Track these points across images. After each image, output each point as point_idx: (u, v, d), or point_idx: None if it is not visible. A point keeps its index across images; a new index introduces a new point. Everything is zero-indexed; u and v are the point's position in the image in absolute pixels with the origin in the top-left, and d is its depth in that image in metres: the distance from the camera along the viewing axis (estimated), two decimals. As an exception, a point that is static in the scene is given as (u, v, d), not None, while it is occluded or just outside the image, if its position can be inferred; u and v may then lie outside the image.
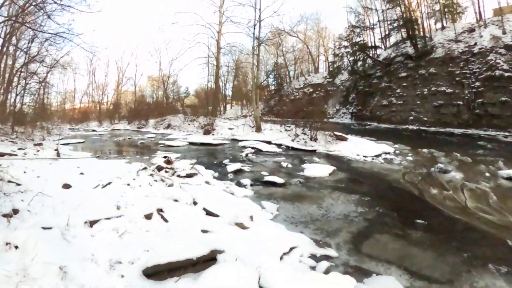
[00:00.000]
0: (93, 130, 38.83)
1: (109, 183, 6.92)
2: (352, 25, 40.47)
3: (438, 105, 27.91)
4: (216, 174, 9.14)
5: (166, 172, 7.90)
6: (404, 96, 31.55)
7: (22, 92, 26.50)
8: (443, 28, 33.88)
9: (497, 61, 25.07)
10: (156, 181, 7.18)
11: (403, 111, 31.24)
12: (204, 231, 4.69)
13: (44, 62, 25.72)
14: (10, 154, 12.69)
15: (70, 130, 39.94)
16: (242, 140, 18.53)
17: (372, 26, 42.64)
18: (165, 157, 12.38)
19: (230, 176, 9.23)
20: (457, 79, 27.22)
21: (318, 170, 10.08)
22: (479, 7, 31.20)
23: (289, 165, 10.88)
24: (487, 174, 9.66)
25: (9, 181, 6.73)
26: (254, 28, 23.50)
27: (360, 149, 14.23)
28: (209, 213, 5.38)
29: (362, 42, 40.14)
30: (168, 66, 61.95)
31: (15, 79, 25.53)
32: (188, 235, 4.46)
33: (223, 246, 3.99)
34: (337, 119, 37.24)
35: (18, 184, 6.79)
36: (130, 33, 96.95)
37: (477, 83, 25.60)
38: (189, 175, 7.77)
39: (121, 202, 5.43)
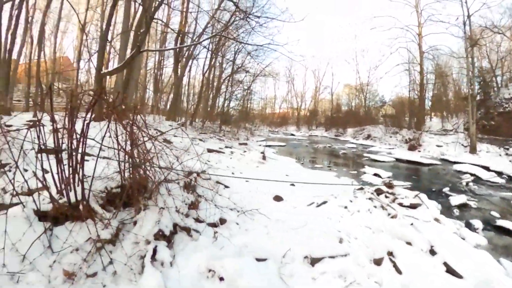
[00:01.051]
0: (292, 135, 40.73)
1: (324, 202, 6.74)
2: None
3: None
4: (439, 207, 8.21)
5: (386, 197, 7.35)
6: None
7: (229, 97, 30.00)
8: None
9: None
10: (375, 207, 6.72)
11: None
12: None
13: (249, 72, 28.70)
14: (218, 151, 13.74)
15: (270, 132, 42.44)
16: (455, 163, 16.71)
17: None
18: (375, 174, 11.90)
19: (455, 211, 8.17)
20: None
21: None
22: None
23: (522, 206, 9.19)
24: None
25: (218, 182, 6.99)
26: (464, 26, 20.93)
27: None
28: (450, 270, 4.51)
29: None
30: (366, 74, 61.07)
31: (223, 86, 29.24)
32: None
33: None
34: None
35: (226, 187, 7.04)
36: (327, 42, 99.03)
37: None
38: (412, 206, 7.06)
39: (342, 232, 4.96)
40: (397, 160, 17.48)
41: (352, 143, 28.20)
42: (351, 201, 6.82)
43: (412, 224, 5.65)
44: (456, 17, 22.04)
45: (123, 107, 4.05)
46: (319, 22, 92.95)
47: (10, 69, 15.89)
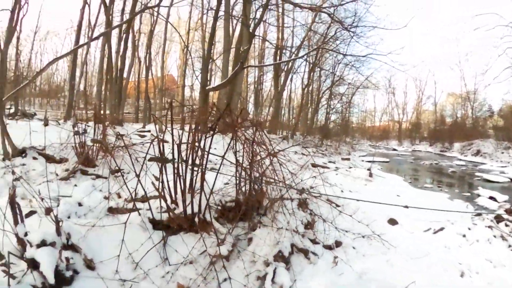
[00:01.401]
0: (394, 149, 39.28)
1: (441, 229, 6.23)
2: None
3: None
4: None
5: (506, 225, 6.61)
6: None
7: (329, 110, 29.62)
8: None
9: None
10: (495, 237, 6.07)
11: None
12: None
13: (350, 84, 28.21)
14: (323, 167, 13.47)
15: (371, 146, 41.36)
16: None
17: None
18: (491, 197, 10.88)
19: None
20: None
21: None
22: None
23: None
24: None
25: (328, 200, 6.74)
26: None
27: None
28: None
29: None
30: (472, 81, 56.50)
31: (322, 100, 29.07)
32: None
33: None
34: None
35: (337, 205, 6.77)
36: (428, 47, 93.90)
37: None
38: None
39: (463, 265, 4.57)
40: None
41: (460, 159, 26.30)
42: (469, 229, 6.24)
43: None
44: None
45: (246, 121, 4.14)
46: (419, 28, 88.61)
47: (121, 86, 17.46)
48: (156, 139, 3.47)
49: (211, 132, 3.47)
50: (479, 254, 5.16)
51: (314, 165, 12.49)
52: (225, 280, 3.16)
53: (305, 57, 24.35)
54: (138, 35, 22.61)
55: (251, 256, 3.49)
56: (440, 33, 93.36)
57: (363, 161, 19.28)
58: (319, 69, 28.13)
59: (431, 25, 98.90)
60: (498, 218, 6.88)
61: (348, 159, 19.85)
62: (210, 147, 3.50)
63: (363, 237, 4.91)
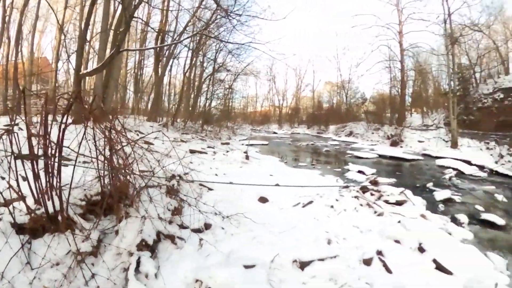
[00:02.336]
0: (274, 133, 40.80)
1: (310, 202, 6.66)
2: None
3: None
4: (424, 202, 8.16)
5: (371, 195, 7.29)
6: None
7: (211, 96, 29.77)
8: None
9: None
10: (361, 205, 6.66)
11: None
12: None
13: (230, 71, 28.62)
14: (201, 152, 13.53)
15: (252, 131, 42.30)
16: (437, 157, 16.76)
17: None
18: (359, 171, 11.87)
19: (440, 207, 8.11)
20: None
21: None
22: None
23: (504, 199, 9.20)
24: None
25: (201, 184, 6.85)
26: (445, 24, 21.22)
27: None
28: (439, 267, 4.34)
29: None
30: (348, 72, 61.26)
31: (204, 86, 29.07)
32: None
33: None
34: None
35: (210, 189, 6.90)
36: (308, 39, 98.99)
37: None
38: (398, 203, 7.02)
39: (330, 233, 4.92)
40: (380, 156, 17.51)
41: (335, 140, 28.36)
42: (337, 200, 6.75)
43: (399, 221, 5.60)
44: (437, 16, 22.48)
45: (102, 109, 3.88)
46: (300, 20, 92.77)
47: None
48: (7, 132, 3.11)
49: (65, 122, 3.21)
50: (347, 222, 5.63)
51: (192, 151, 12.49)
52: (92, 277, 3.02)
53: (187, 42, 24.04)
54: (10, 10, 20.04)
55: (116, 249, 3.37)
56: (323, 27, 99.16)
57: (242, 144, 19.69)
58: (202, 55, 28.03)
59: (315, 19, 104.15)
60: (364, 189, 7.54)
61: (228, 143, 20.20)
62: (63, 139, 3.25)
63: (228, 217, 4.95)
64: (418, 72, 40.36)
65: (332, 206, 6.45)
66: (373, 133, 27.48)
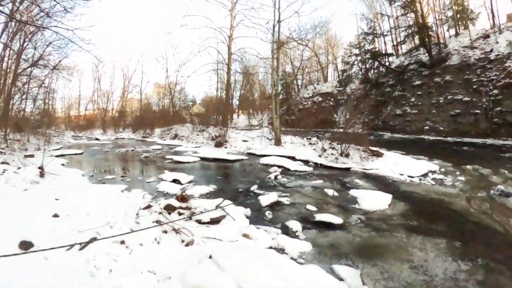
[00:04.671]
0: (96, 139, 36.84)
1: (92, 241, 4.45)
2: (364, 32, 40.05)
3: (454, 114, 27.59)
4: (248, 211, 6.61)
5: (180, 214, 5.35)
6: (418, 105, 31.34)
7: (24, 97, 24.82)
8: (457, 34, 34.01)
9: (515, 67, 24.41)
10: (166, 232, 4.74)
11: (417, 120, 31.02)
12: None
13: (48, 67, 23.75)
14: None
15: (73, 138, 38.28)
16: (262, 156, 16.24)
17: (384, 33, 42.24)
18: (174, 180, 9.96)
19: (267, 214, 6.65)
20: (474, 87, 26.71)
21: (374, 200, 7.73)
22: (492, 13, 31.49)
23: (335, 193, 8.48)
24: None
25: None
26: (274, 30, 21.25)
27: (401, 167, 12.06)
28: None
29: (374, 49, 39.52)
30: (176, 73, 59.77)
31: (19, 84, 23.66)
32: None
33: None
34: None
35: None
36: (138, 38, 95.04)
37: (495, 91, 25.04)
38: (214, 220, 5.20)
39: None
40: (203, 159, 16.07)
41: (159, 144, 26.28)
42: (131, 230, 4.65)
43: (210, 257, 3.77)
44: (266, 21, 22.62)
45: None
46: (132, 18, 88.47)
47: None
48: None
49: None
50: (141, 266, 3.85)
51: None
52: None
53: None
54: None
55: None
56: (157, 27, 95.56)
57: (51, 156, 16.14)
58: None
59: (152, 18, 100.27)
60: (170, 208, 5.57)
61: (33, 155, 16.16)
62: None
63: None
64: (245, 76, 41.77)
65: (123, 242, 4.45)
66: (198, 134, 26.32)
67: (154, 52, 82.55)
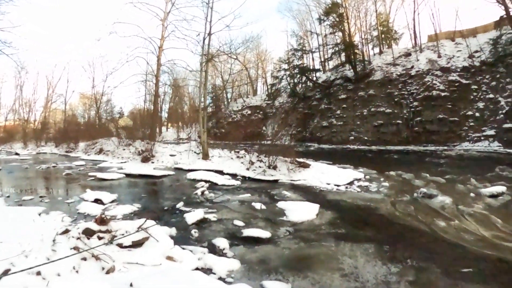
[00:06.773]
0: (16, 153, 34.42)
1: (6, 273, 3.97)
2: (294, 48, 42.65)
3: (378, 124, 30.62)
4: (173, 230, 6.54)
5: (99, 238, 5.20)
6: (344, 117, 34.18)
7: None
8: (381, 52, 37.71)
9: (434, 82, 28.25)
10: (85, 259, 4.55)
11: (343, 131, 33.83)
12: None
13: None
14: None
15: (-12, 153, 35.22)
16: (189, 170, 16.08)
17: (312, 50, 45.00)
18: (96, 200, 9.63)
19: (194, 232, 6.57)
20: (395, 99, 30.01)
21: (302, 210, 8.02)
22: (414, 34, 36.24)
23: (263, 206, 8.67)
24: (472, 194, 9.60)
25: None
26: (204, 42, 21.32)
27: (328, 176, 12.67)
28: None
29: (302, 65, 42.12)
30: (102, 83, 57.21)
31: None
32: None
33: None
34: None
35: None
36: (65, 45, 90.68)
37: (415, 103, 28.61)
38: (137, 243, 5.12)
39: None
40: (128, 175, 15.55)
41: (83, 159, 24.93)
42: (48, 258, 4.42)
43: (131, 285, 3.75)
44: (197, 33, 22.52)
45: None
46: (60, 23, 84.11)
47: None
48: None
49: None
50: None
51: None
52: None
53: None
54: None
55: None
56: (85, 35, 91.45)
57: None
58: None
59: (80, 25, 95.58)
60: (89, 232, 5.41)
61: None
62: None
63: None
64: (174, 88, 41.41)
65: (39, 273, 4.00)
66: (124, 149, 25.29)
67: (81, 60, 79.31)
